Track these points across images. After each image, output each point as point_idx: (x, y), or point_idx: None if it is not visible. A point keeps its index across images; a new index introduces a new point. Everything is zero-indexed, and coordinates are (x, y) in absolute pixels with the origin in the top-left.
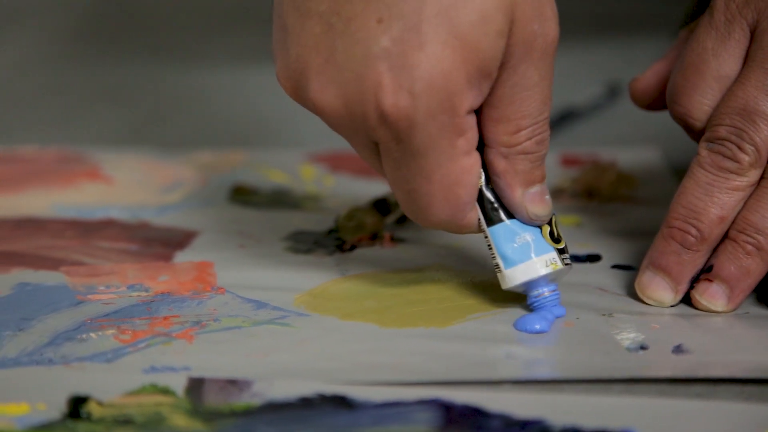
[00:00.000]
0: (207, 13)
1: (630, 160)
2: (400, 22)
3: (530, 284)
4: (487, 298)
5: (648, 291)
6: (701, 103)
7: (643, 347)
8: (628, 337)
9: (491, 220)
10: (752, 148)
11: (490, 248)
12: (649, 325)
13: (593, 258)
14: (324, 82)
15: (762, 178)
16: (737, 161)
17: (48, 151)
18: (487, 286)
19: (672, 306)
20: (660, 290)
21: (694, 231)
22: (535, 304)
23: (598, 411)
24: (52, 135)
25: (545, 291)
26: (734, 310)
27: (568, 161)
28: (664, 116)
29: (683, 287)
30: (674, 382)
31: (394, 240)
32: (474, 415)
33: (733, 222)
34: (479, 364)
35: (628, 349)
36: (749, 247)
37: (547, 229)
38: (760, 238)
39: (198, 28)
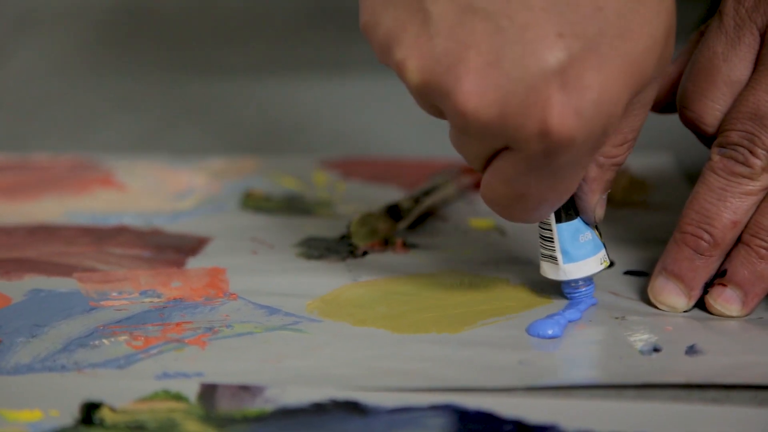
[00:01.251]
0: (218, 22)
1: (642, 165)
2: (581, 40)
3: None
4: (499, 304)
5: (661, 297)
6: (712, 108)
7: (656, 349)
8: (641, 338)
9: (560, 218)
10: (764, 152)
11: (551, 240)
12: (662, 327)
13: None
14: (483, 85)
15: None
16: (750, 166)
17: (61, 158)
18: (499, 291)
19: (685, 311)
20: (673, 296)
21: (707, 236)
22: (573, 295)
23: (611, 416)
24: (65, 143)
25: (581, 284)
26: (749, 314)
27: None
28: (676, 122)
29: (696, 293)
30: (688, 386)
31: (406, 246)
32: (487, 420)
33: (746, 226)
34: (493, 369)
35: (641, 352)
36: (763, 252)
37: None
38: None
39: (209, 37)
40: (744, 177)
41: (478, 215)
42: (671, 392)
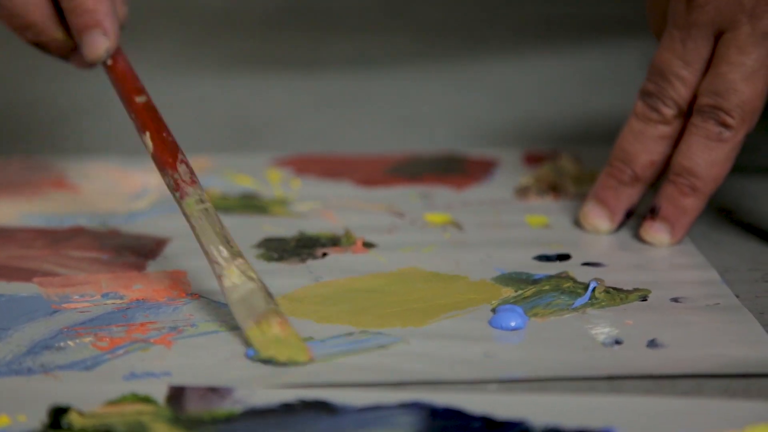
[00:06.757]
0: (168, 24)
1: (592, 157)
2: None
3: None
4: (461, 298)
5: (588, 219)
6: None
7: (618, 341)
8: (603, 331)
9: None
10: (672, 102)
11: None
12: (622, 321)
13: (563, 257)
14: None
15: (691, 125)
16: (662, 114)
17: (11, 161)
18: (459, 286)
19: (607, 233)
20: (598, 219)
21: (629, 171)
22: None
23: (579, 410)
24: (13, 146)
25: None
26: (677, 242)
27: (531, 159)
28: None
29: (618, 218)
30: (659, 379)
31: (365, 245)
32: (456, 416)
33: (671, 167)
34: (459, 362)
35: (604, 344)
36: (686, 189)
37: None
38: (694, 180)
39: (157, 39)
40: (658, 123)
41: (434, 210)
42: (643, 385)
